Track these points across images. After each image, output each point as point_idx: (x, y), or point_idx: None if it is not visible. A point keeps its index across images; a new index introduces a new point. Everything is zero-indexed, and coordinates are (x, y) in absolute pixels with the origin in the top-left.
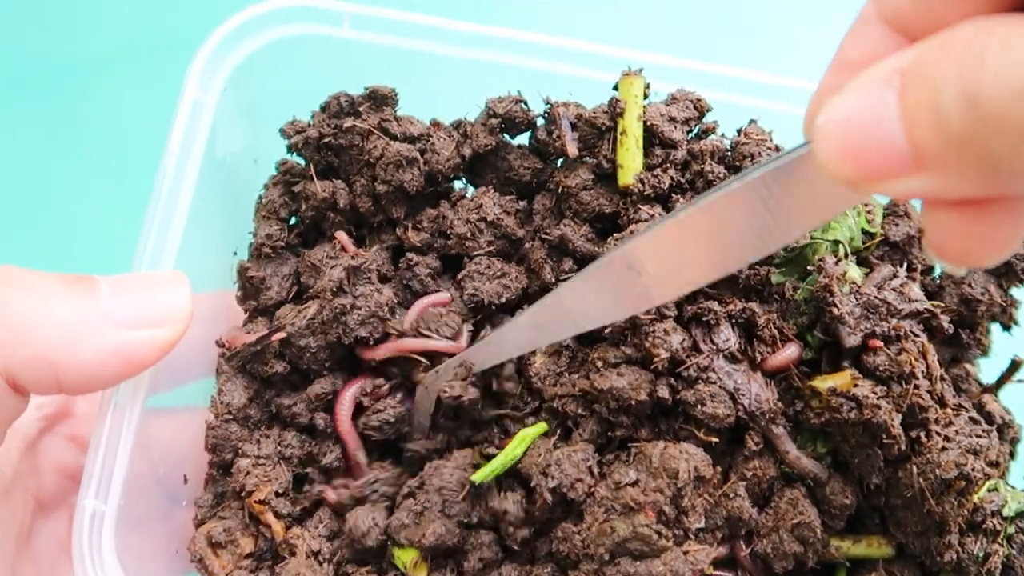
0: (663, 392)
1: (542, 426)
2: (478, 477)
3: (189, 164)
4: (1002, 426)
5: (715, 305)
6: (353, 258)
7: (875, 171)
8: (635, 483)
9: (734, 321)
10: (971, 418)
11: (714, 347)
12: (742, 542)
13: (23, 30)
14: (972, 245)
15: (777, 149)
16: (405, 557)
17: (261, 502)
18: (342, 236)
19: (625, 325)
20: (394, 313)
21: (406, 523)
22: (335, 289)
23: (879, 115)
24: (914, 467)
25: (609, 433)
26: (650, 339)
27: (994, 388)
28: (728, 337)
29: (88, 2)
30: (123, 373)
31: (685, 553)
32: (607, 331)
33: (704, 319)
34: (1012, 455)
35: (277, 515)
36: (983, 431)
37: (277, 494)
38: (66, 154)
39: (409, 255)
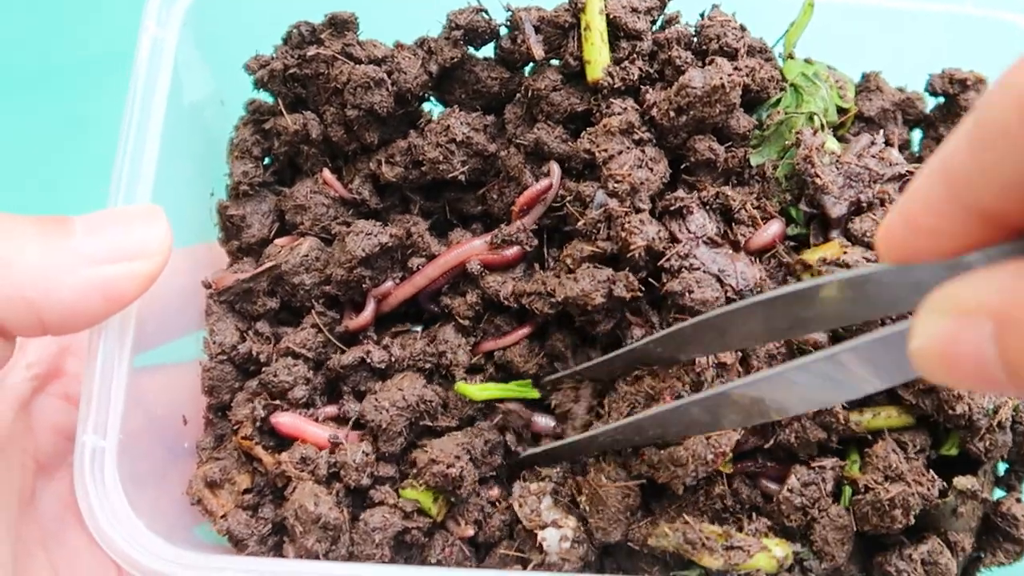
0: (619, 291)
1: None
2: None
3: (154, 104)
4: None
5: (682, 193)
6: (386, 230)
7: (971, 386)
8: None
9: (708, 207)
10: None
11: (691, 235)
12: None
13: (23, 30)
14: None
15: (743, 29)
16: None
17: (247, 437)
18: (327, 175)
19: (599, 218)
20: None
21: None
22: (363, 259)
23: (979, 356)
24: None
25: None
26: (625, 228)
27: None
28: (704, 223)
29: (88, 2)
30: (106, 309)
31: (707, 439)
32: (580, 224)
33: (674, 209)
34: None
35: (265, 448)
36: None
37: (260, 430)
38: (66, 154)
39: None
